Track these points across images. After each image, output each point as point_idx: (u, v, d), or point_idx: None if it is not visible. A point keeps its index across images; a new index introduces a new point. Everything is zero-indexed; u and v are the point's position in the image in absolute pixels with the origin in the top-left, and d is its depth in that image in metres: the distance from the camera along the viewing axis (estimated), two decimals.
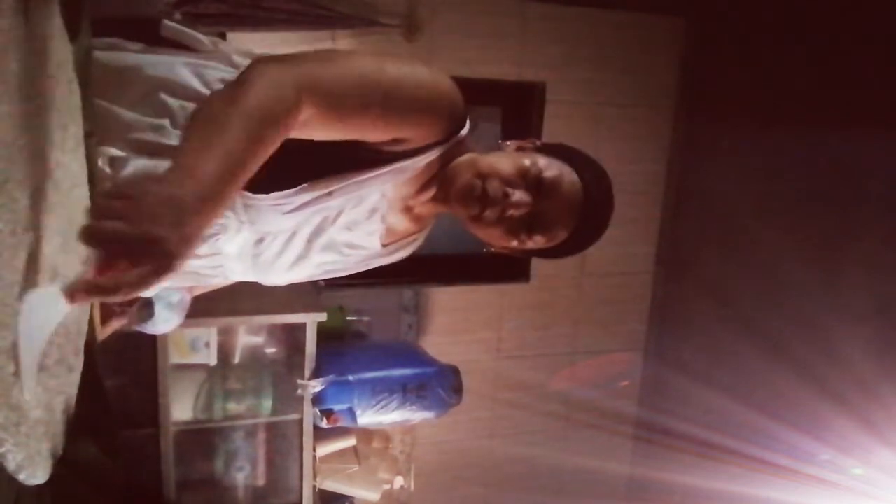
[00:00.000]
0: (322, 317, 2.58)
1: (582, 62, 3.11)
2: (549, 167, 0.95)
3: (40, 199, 0.63)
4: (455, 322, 3.22)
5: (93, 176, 0.76)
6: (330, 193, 0.92)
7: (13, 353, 0.57)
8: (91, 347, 0.75)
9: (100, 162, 0.84)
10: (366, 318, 3.04)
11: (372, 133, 0.90)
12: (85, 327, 0.75)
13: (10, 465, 0.56)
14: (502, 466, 3.49)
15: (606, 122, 3.18)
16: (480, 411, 3.32)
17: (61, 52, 0.67)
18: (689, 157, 3.28)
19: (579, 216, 0.96)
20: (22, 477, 0.58)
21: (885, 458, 2.31)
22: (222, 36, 2.39)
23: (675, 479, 3.11)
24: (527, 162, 0.95)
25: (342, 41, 2.72)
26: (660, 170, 3.36)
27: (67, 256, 0.68)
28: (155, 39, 1.02)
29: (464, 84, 0.97)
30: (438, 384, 2.68)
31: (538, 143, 1.03)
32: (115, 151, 0.87)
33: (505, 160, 0.97)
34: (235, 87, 0.76)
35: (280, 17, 2.51)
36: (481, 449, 3.44)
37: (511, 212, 0.93)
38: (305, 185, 0.91)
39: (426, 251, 1.13)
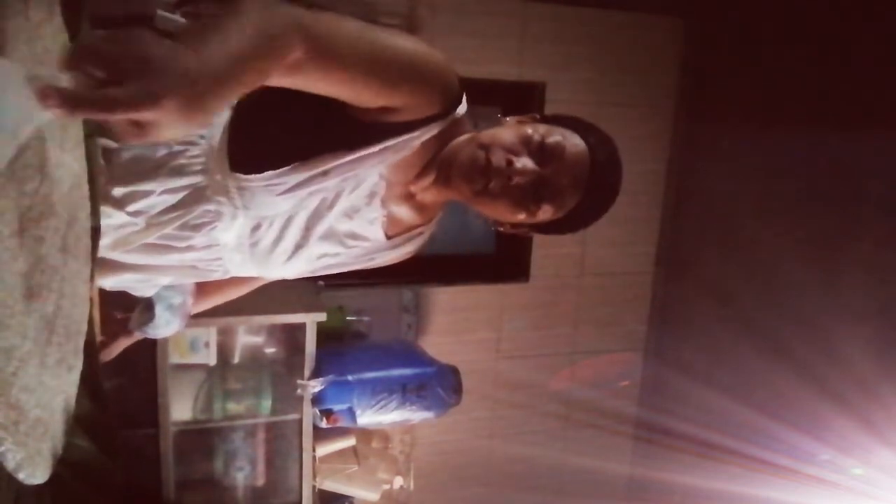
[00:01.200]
0: (322, 317, 2.57)
1: (582, 62, 3.11)
2: (552, 134, 0.94)
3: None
4: (455, 322, 3.22)
5: (93, 176, 0.76)
6: (325, 173, 0.90)
7: None
8: (91, 347, 0.75)
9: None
10: (366, 318, 3.03)
11: (359, 92, 0.85)
12: (84, 327, 0.74)
13: (10, 465, 0.56)
14: (502, 466, 3.49)
15: (606, 122, 3.11)
16: (480, 411, 3.32)
17: (61, 51, 0.67)
18: (689, 157, 3.28)
19: (587, 181, 0.94)
20: (21, 476, 0.58)
21: (885, 458, 2.31)
22: None
23: (675, 479, 3.11)
24: (529, 130, 0.95)
25: None
26: (660, 170, 3.35)
27: (67, 256, 0.68)
28: None
29: (464, 84, 0.96)
30: (438, 384, 2.68)
31: (538, 116, 1.01)
32: (108, 142, 0.86)
33: (506, 131, 0.96)
34: (227, 11, 0.67)
35: None
36: (481, 449, 3.43)
37: (517, 179, 0.91)
38: (298, 163, 0.89)
39: (426, 251, 1.12)
